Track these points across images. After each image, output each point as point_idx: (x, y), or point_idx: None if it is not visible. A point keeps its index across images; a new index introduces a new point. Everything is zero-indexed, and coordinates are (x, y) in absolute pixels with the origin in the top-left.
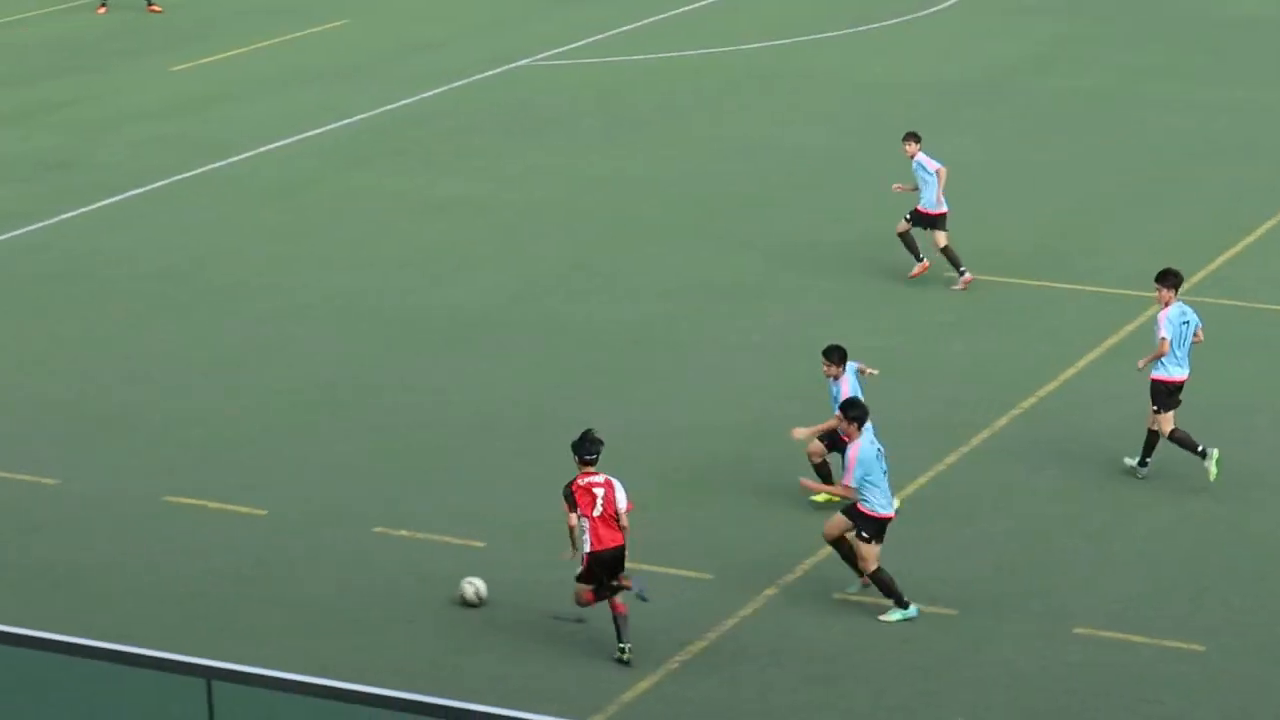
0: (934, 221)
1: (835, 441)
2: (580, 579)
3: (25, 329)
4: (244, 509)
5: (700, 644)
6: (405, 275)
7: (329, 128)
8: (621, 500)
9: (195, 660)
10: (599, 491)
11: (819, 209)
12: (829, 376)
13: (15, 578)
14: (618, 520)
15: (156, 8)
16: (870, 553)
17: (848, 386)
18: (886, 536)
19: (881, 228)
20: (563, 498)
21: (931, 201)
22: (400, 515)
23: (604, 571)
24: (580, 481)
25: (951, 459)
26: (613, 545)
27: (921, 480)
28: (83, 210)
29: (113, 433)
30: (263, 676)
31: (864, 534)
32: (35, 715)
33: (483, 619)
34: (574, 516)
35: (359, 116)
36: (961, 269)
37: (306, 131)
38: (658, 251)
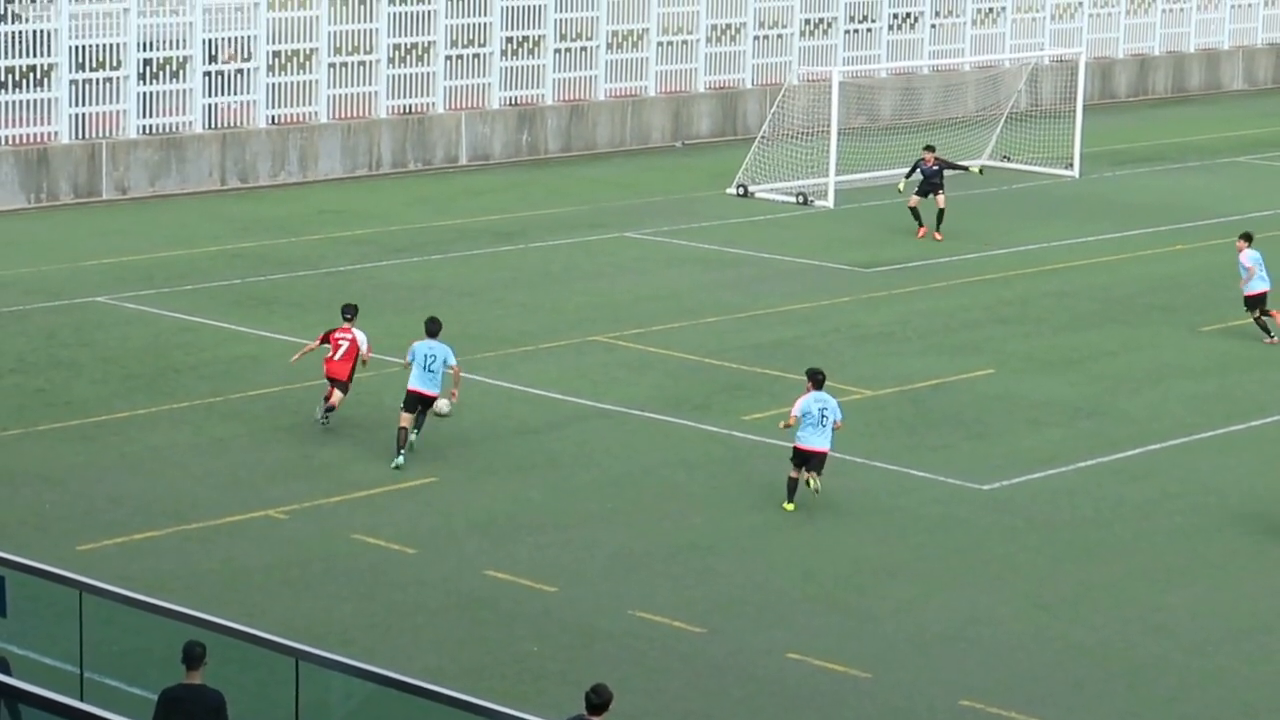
0: None
1: None
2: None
3: (1058, 568)
4: None
5: None
6: None
7: None
8: (363, 345)
9: None
10: (344, 344)
11: None
12: None
13: None
14: (353, 365)
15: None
16: (403, 418)
17: None
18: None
19: None
20: (320, 334)
21: None
22: None
23: (329, 382)
24: (336, 333)
25: None
26: (335, 376)
27: None
28: (1106, 459)
29: (1132, 685)
30: None
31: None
32: None
33: None
34: (315, 344)
35: None
36: None
37: None
38: None
